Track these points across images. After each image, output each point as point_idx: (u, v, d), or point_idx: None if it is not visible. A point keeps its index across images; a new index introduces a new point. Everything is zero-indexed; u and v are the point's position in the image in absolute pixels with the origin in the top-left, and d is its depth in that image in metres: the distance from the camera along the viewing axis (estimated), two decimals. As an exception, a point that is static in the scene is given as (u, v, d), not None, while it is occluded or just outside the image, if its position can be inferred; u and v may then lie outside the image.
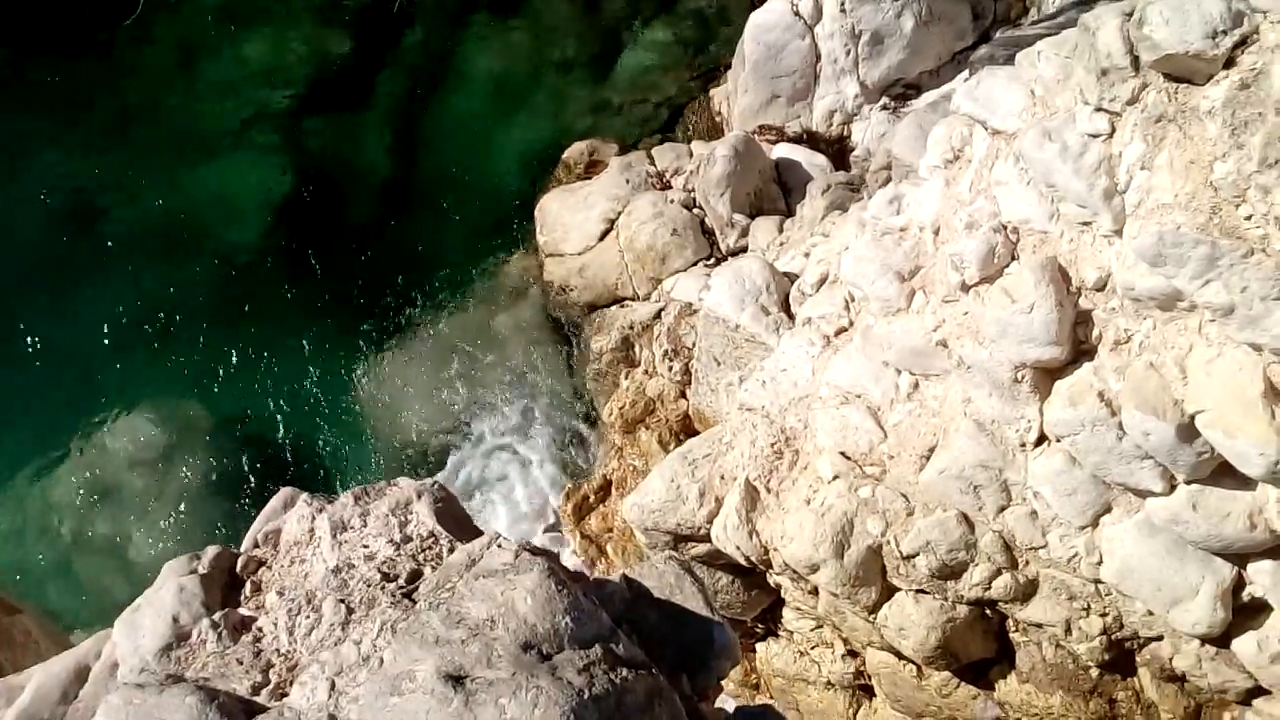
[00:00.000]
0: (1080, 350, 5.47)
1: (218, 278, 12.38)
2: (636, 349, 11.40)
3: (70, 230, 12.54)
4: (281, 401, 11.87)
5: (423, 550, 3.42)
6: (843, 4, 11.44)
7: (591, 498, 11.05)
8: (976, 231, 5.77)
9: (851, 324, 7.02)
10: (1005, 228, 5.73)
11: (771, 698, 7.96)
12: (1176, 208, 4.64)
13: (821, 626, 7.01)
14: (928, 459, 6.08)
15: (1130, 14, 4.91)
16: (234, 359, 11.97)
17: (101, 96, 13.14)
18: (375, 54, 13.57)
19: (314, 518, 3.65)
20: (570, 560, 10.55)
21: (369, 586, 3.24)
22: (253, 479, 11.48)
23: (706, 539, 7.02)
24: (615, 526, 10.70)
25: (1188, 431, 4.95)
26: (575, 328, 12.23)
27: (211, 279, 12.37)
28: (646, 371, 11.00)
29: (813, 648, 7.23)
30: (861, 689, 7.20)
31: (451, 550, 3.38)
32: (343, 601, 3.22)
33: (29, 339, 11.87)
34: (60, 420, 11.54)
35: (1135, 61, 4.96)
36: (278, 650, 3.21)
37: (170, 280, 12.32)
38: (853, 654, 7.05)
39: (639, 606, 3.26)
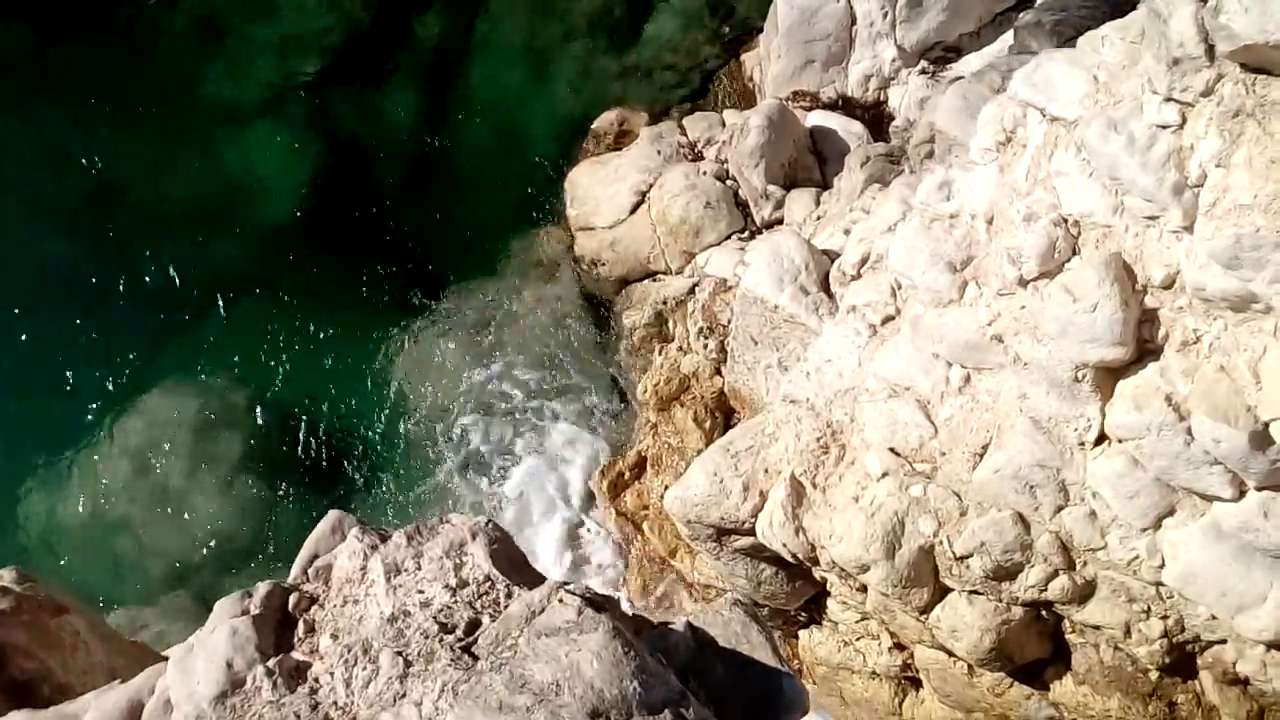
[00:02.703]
0: (1145, 350, 5.26)
1: (248, 252, 12.33)
2: (670, 324, 11.24)
3: (100, 208, 12.49)
4: (314, 374, 11.86)
5: (479, 596, 3.33)
6: (880, -35, 11.04)
7: (626, 475, 10.99)
8: (1035, 224, 5.54)
9: (899, 313, 6.82)
10: (1066, 221, 5.49)
11: (814, 684, 7.93)
12: (1256, 209, 4.40)
13: (867, 619, 6.93)
14: (981, 456, 5.92)
15: (1205, 0, 4.62)
16: (265, 333, 11.95)
17: (127, 74, 13.00)
18: (399, 24, 13.30)
19: (366, 555, 3.58)
20: (607, 544, 10.54)
21: (426, 638, 3.16)
22: (287, 452, 11.51)
23: (750, 532, 6.93)
24: (651, 504, 10.64)
25: (1261, 439, 4.76)
26: (607, 302, 12.07)
27: (242, 254, 12.32)
28: (681, 348, 10.85)
29: (858, 639, 7.15)
30: (908, 680, 7.13)
31: (509, 595, 3.29)
32: (400, 654, 3.14)
33: (61, 318, 11.89)
34: (94, 397, 11.59)
35: (1210, 51, 4.68)
36: (335, 703, 3.15)
37: (201, 256, 12.27)
38: (900, 647, 6.98)
39: (705, 657, 3.16)
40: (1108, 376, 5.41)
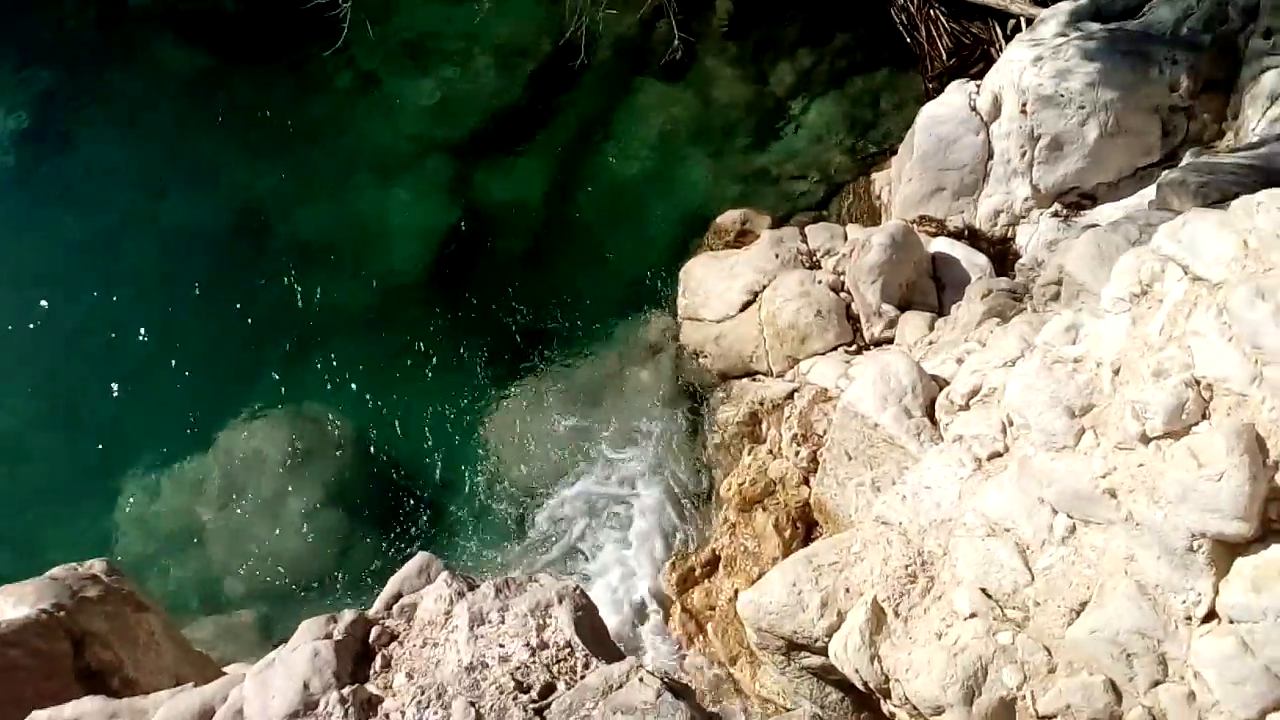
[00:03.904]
0: (1270, 529, 5.01)
1: (371, 297, 12.87)
2: (764, 426, 11.19)
3: (241, 233, 13.23)
4: (410, 421, 12.16)
5: (558, 661, 3.32)
6: (1024, 105, 11.13)
7: (698, 570, 10.84)
8: (1165, 381, 5.38)
9: (1007, 450, 6.66)
10: (1198, 383, 5.32)
11: (865, 824, 7.53)
12: None
13: (932, 765, 6.59)
14: (1078, 613, 5.66)
15: (1375, 179, 4.52)
16: (370, 374, 12.35)
17: (292, 114, 13.91)
18: (546, 102, 13.94)
19: (453, 600, 3.61)
20: (667, 639, 10.36)
21: (501, 693, 3.15)
22: (371, 491, 11.75)
23: (822, 652, 6.73)
24: (718, 605, 10.44)
25: (1392, 644, 4.44)
26: (704, 394, 12.13)
27: (366, 297, 12.86)
28: (771, 451, 10.76)
29: (919, 784, 6.79)
30: (967, 838, 6.70)
31: (587, 665, 3.28)
32: (473, 705, 3.14)
33: (186, 331, 12.51)
34: (203, 410, 12.06)
35: (1376, 231, 4.56)
36: (402, 743, 3.16)
37: (325, 292, 12.84)
38: (963, 800, 6.59)
39: (777, 766, 3.06)
40: (1225, 551, 5.15)
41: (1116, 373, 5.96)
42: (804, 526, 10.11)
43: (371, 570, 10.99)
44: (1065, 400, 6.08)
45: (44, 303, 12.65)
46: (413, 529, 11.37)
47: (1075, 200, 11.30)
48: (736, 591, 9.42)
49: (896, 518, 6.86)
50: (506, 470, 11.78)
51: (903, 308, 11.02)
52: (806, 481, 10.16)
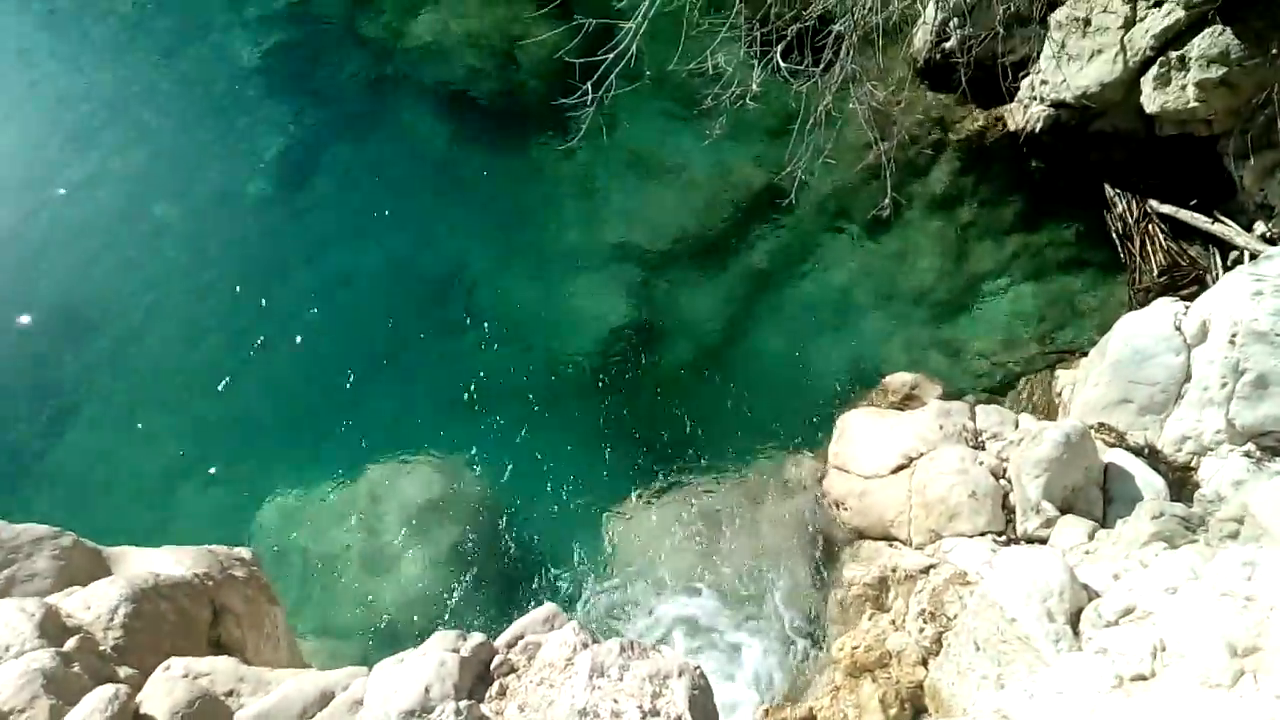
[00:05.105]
0: None
1: (538, 375, 13.41)
2: (891, 595, 10.83)
3: (438, 294, 14.14)
4: (546, 499, 12.47)
5: (666, 731, 3.36)
6: (1234, 336, 10.72)
7: (789, 726, 10.43)
8: (1349, 641, 4.99)
9: (1154, 674, 6.23)
10: (1388, 651, 4.91)
11: None
12: None
13: None
14: None
15: None
16: (522, 447, 12.77)
17: (511, 195, 14.95)
18: (746, 232, 14.44)
19: (576, 649, 3.72)
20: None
21: (607, 745, 3.21)
22: (494, 557, 12.04)
23: (910, 834, 6.34)
24: (803, 765, 9.98)
25: None
26: (836, 546, 11.89)
27: (532, 374, 13.41)
28: (894, 622, 10.37)
29: None
30: None
31: (693, 745, 3.30)
32: (579, 748, 3.21)
33: (368, 374, 13.35)
34: (366, 445, 12.75)
35: None
36: (504, 766, 3.25)
37: (499, 363, 13.49)
38: None
39: None
40: (1393, 845, 4.63)
41: (1293, 621, 5.56)
42: (912, 709, 9.62)
43: (472, 625, 11.15)
44: (1229, 636, 5.70)
45: (256, 308, 13.82)
46: (522, 601, 11.51)
47: (1272, 444, 10.68)
48: (825, 757, 9.02)
49: (1018, 716, 6.49)
50: (624, 570, 11.84)
51: (1063, 510, 10.59)
52: (925, 662, 9.72)
